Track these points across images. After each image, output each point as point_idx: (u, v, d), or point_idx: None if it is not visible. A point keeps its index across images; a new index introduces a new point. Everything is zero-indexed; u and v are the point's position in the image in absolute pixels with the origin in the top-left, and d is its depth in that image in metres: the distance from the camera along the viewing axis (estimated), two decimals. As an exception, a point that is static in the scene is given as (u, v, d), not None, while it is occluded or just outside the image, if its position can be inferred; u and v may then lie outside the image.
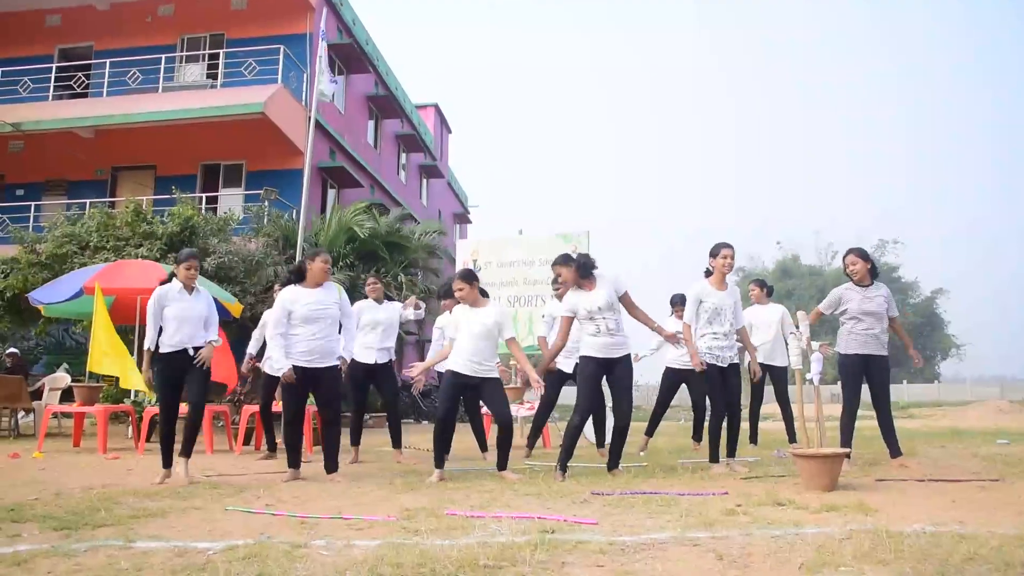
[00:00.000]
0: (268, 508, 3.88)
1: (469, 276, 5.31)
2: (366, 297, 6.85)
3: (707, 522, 3.32)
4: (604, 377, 5.33)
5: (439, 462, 5.12)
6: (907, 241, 46.97)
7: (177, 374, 5.16)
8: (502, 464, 5.26)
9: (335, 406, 5.37)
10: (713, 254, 5.53)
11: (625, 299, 5.22)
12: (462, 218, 31.00)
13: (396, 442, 6.68)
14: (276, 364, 5.13)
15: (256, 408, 7.54)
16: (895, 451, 5.55)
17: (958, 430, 10.71)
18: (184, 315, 5.16)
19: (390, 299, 6.97)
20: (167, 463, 5.11)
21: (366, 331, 6.52)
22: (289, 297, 5.20)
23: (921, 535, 2.95)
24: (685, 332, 5.43)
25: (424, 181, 26.18)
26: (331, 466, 5.27)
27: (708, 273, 5.56)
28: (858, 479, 4.82)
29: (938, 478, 4.84)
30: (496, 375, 5.28)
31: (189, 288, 5.25)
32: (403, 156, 23.68)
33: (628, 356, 5.25)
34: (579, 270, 5.19)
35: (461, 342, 5.21)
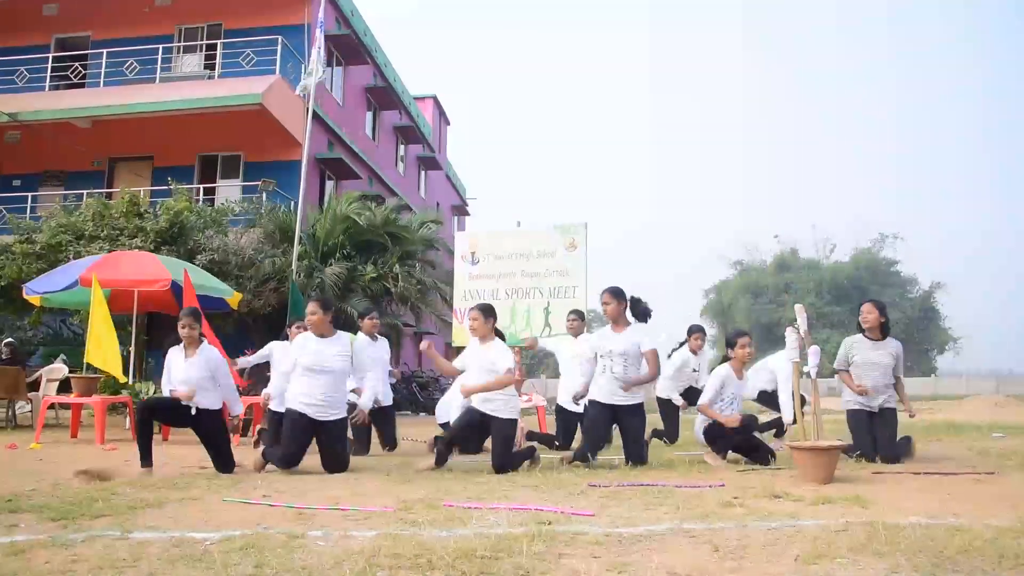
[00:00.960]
0: (265, 499, 3.88)
1: (488, 310, 5.30)
2: (359, 320, 6.91)
3: (703, 514, 3.33)
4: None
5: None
6: (905, 235, 46.91)
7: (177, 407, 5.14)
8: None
9: (337, 457, 5.19)
10: (730, 344, 5.64)
11: (649, 355, 5.33)
12: (460, 210, 30.96)
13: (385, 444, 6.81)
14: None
15: (253, 399, 7.55)
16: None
17: (954, 424, 10.73)
18: (182, 380, 5.18)
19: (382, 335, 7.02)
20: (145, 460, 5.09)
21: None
22: (298, 343, 5.21)
23: (916, 527, 2.96)
24: (707, 413, 5.50)
25: (422, 173, 26.12)
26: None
27: (727, 358, 5.65)
28: (854, 472, 4.83)
29: (934, 471, 4.85)
30: (504, 415, 5.16)
31: (190, 348, 5.24)
32: (401, 148, 23.63)
33: (639, 406, 5.31)
34: (629, 309, 5.36)
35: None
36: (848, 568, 2.43)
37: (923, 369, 39.20)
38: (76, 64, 16.68)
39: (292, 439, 5.02)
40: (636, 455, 5.26)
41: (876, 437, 5.48)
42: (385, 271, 13.64)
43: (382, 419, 6.74)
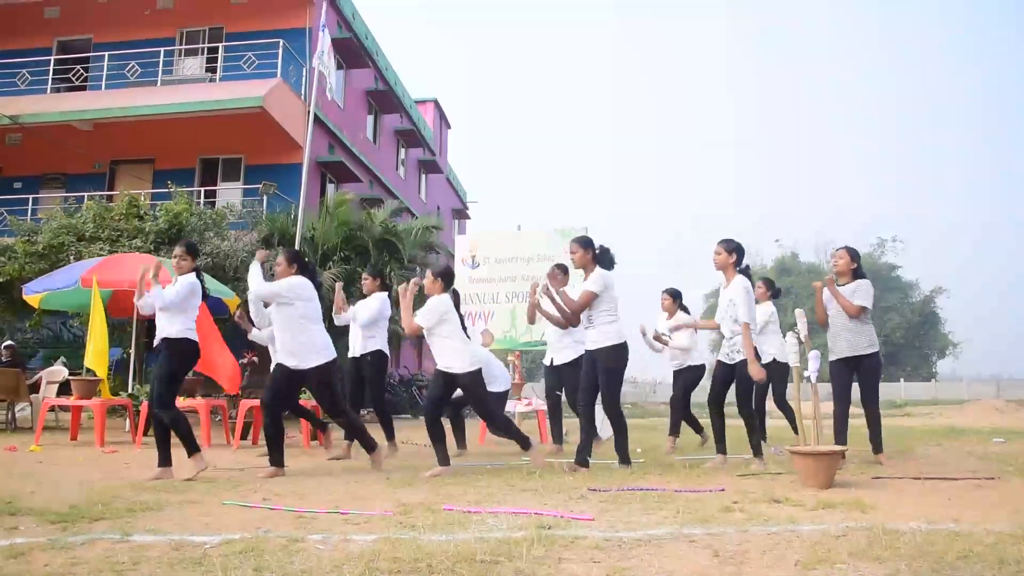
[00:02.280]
0: (265, 502, 3.88)
1: (437, 273, 5.39)
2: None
3: (703, 518, 3.33)
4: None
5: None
6: (906, 239, 46.63)
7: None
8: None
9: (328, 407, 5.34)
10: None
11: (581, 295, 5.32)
12: (461, 214, 30.96)
13: (389, 435, 6.68)
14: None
15: (255, 402, 7.52)
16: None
17: (955, 428, 10.73)
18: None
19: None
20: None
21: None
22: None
23: (917, 533, 2.96)
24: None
25: (423, 177, 26.14)
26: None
27: None
28: (855, 477, 4.83)
29: (934, 476, 4.85)
30: (456, 370, 5.23)
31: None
32: (402, 151, 23.64)
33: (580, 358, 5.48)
34: (595, 259, 5.33)
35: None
36: (848, 574, 2.43)
37: (924, 374, 39.17)
38: (77, 67, 16.71)
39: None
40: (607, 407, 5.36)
41: (859, 386, 5.59)
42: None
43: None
